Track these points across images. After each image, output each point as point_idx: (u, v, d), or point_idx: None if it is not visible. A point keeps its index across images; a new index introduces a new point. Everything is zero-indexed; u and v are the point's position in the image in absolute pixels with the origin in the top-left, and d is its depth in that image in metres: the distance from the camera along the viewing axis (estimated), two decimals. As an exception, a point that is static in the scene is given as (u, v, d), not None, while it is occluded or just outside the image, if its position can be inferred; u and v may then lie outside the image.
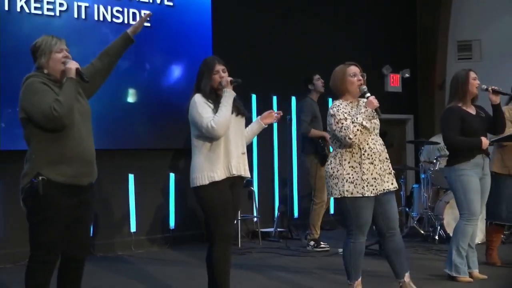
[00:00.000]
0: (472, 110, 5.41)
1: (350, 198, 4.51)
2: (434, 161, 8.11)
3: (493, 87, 5.38)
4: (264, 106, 8.66)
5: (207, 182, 4.29)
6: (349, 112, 4.56)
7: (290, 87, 8.54)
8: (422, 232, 7.95)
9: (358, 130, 4.44)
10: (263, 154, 8.72)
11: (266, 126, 4.76)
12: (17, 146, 6.35)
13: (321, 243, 7.25)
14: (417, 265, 6.24)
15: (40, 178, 3.54)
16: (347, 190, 4.50)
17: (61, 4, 6.88)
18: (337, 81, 4.69)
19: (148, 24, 7.41)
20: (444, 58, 10.62)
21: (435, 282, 5.42)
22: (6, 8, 6.53)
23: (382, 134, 6.85)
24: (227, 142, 4.36)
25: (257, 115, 8.55)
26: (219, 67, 4.44)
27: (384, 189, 4.58)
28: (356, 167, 4.50)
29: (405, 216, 8.57)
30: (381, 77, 10.35)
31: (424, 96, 10.65)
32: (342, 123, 4.49)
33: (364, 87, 4.60)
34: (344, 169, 4.52)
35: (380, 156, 4.57)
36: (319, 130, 7.35)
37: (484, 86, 5.41)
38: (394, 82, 10.46)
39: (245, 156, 4.49)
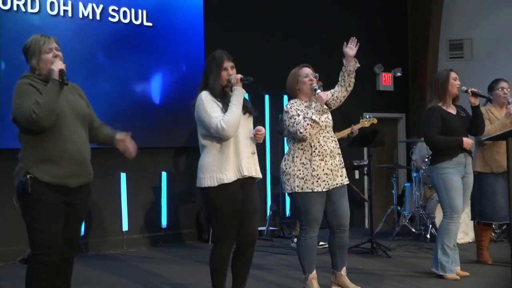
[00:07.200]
0: (452, 110, 5.47)
1: (301, 194, 4.69)
2: (426, 159, 8.13)
3: (472, 89, 5.42)
4: (255, 105, 8.68)
5: (216, 184, 4.12)
6: (302, 109, 4.73)
7: (282, 85, 8.48)
8: (414, 230, 7.97)
9: (308, 124, 4.59)
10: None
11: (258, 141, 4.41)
12: (11, 145, 6.35)
13: None
14: (408, 263, 6.27)
15: (28, 176, 3.53)
16: (297, 186, 4.71)
17: (56, 3, 6.89)
18: (290, 83, 4.96)
19: (138, 23, 7.43)
20: (436, 57, 10.62)
21: (424, 280, 5.43)
22: (4, 7, 6.55)
23: (373, 134, 6.92)
24: (237, 143, 4.19)
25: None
26: (228, 64, 4.24)
27: (337, 184, 4.74)
28: (307, 163, 4.69)
29: (397, 215, 8.59)
30: (373, 76, 10.35)
31: (415, 95, 10.65)
32: (295, 119, 4.67)
33: (315, 85, 4.78)
34: (296, 166, 4.72)
35: (331, 152, 4.73)
36: None
37: (464, 88, 5.45)
38: (385, 81, 10.46)
39: (256, 156, 4.36)
